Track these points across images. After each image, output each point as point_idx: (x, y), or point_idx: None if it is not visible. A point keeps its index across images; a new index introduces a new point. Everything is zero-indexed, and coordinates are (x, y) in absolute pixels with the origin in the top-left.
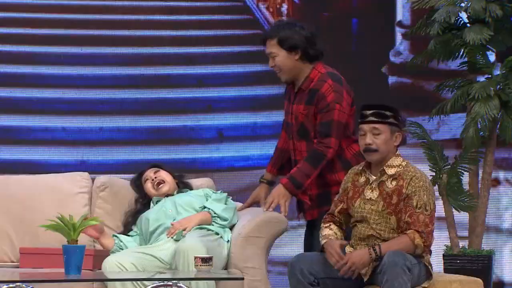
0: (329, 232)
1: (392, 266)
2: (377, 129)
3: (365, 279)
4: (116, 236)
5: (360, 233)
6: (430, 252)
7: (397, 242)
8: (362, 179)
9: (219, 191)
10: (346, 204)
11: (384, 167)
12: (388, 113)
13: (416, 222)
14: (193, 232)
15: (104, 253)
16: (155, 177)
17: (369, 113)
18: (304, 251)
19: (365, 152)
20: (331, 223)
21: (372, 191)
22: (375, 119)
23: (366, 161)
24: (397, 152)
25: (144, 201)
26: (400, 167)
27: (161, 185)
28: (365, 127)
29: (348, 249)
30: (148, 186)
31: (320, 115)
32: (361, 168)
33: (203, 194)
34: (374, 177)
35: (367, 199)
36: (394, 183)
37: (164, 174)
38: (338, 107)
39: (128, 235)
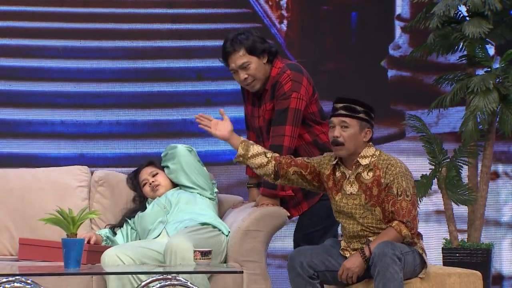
0: (263, 159)
1: (382, 257)
2: (345, 123)
3: (359, 274)
4: (101, 234)
5: (349, 231)
6: (421, 236)
7: (385, 236)
8: (338, 174)
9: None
10: (312, 178)
11: (358, 159)
12: (359, 108)
13: (399, 210)
14: (185, 229)
15: (98, 249)
16: (153, 181)
17: (339, 106)
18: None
19: (333, 145)
20: (277, 158)
21: (351, 185)
22: (345, 112)
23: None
24: (369, 143)
25: (142, 200)
26: (374, 156)
27: (158, 186)
28: (335, 120)
29: (343, 243)
30: (147, 190)
31: (277, 103)
32: (334, 163)
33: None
34: (350, 171)
35: (348, 194)
36: (370, 174)
37: (160, 179)
38: (295, 95)
39: (114, 231)
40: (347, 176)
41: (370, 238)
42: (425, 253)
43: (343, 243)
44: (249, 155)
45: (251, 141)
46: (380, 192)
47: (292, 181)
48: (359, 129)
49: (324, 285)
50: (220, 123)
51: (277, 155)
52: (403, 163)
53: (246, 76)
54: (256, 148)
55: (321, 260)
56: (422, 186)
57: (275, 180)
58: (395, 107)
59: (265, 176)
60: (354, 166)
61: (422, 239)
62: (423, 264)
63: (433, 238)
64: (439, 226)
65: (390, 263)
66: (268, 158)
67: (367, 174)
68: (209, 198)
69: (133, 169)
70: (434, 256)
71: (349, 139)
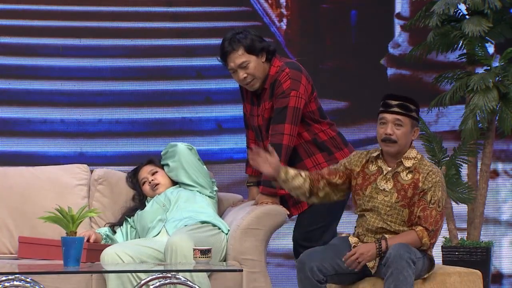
0: (300, 180)
1: (397, 259)
2: (400, 121)
3: (372, 272)
4: (100, 233)
5: (369, 224)
6: (433, 246)
7: (404, 238)
8: (374, 168)
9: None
10: (343, 182)
11: (402, 159)
12: (412, 106)
13: (428, 217)
14: (185, 227)
15: (97, 247)
16: (152, 179)
17: (394, 104)
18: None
19: (384, 141)
20: (310, 176)
21: (386, 182)
22: (400, 110)
23: (381, 150)
24: (413, 144)
25: (141, 199)
26: (416, 159)
27: (157, 185)
28: (389, 117)
29: (352, 239)
30: (147, 189)
31: (276, 101)
32: (375, 155)
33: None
34: (389, 168)
35: (380, 189)
36: (409, 176)
37: (160, 177)
38: (294, 94)
39: (114, 230)
40: (384, 172)
41: (386, 236)
42: (434, 262)
43: (353, 239)
44: (289, 179)
45: (285, 166)
46: (414, 195)
47: (324, 197)
48: (411, 127)
49: (327, 285)
50: (270, 160)
51: (308, 173)
52: (442, 173)
53: (245, 75)
54: (292, 171)
55: (331, 264)
56: None
57: (309, 198)
58: None
59: (300, 196)
60: (396, 165)
61: (432, 247)
62: (430, 268)
63: None
64: None
65: (405, 266)
66: (303, 177)
67: (406, 175)
68: (209, 197)
69: (132, 167)
70: (433, 254)
71: (402, 138)
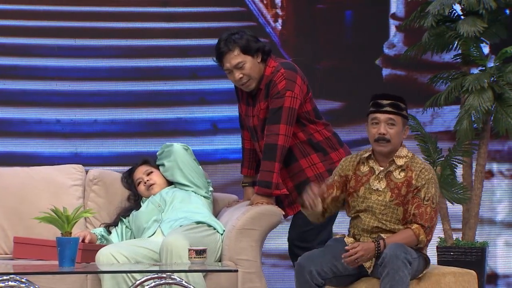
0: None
1: (393, 259)
2: (393, 120)
3: (369, 272)
4: (96, 233)
5: (364, 224)
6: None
7: (400, 237)
8: (365, 168)
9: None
10: (342, 191)
11: (394, 158)
12: (402, 105)
13: (423, 214)
14: (181, 228)
15: (93, 247)
16: (148, 180)
17: (386, 103)
18: (289, 250)
19: (377, 141)
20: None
21: (379, 181)
22: (393, 110)
23: (372, 151)
24: (403, 143)
25: (136, 199)
26: (407, 157)
27: (152, 185)
28: (381, 116)
29: (348, 240)
30: (142, 189)
31: (271, 102)
32: (366, 156)
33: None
34: (381, 168)
35: (373, 189)
36: (402, 174)
37: (155, 177)
38: (289, 94)
39: (109, 230)
40: (376, 172)
41: (382, 235)
42: (429, 261)
43: (349, 240)
44: (319, 208)
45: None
46: (407, 193)
47: (330, 211)
48: (402, 126)
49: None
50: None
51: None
52: (434, 170)
53: (241, 75)
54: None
55: (329, 267)
56: None
57: (318, 220)
58: None
59: (314, 219)
60: (388, 164)
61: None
62: (424, 268)
63: None
64: None
65: (401, 266)
66: (321, 203)
67: (399, 174)
68: (204, 197)
69: (127, 167)
70: (428, 254)
71: (395, 137)
